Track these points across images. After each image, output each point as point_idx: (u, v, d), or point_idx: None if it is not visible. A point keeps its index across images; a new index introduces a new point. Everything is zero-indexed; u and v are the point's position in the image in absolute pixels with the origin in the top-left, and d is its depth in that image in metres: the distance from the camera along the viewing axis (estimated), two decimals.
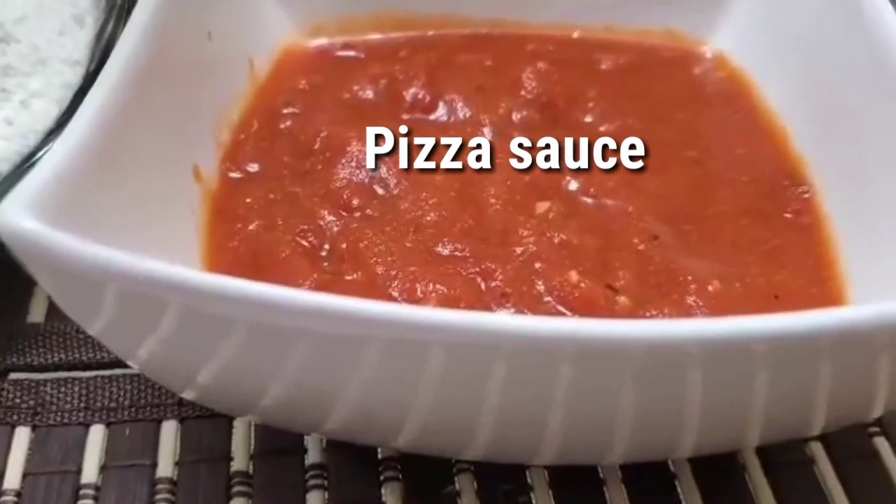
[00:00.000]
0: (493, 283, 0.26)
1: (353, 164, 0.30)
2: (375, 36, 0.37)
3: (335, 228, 0.28)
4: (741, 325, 0.19)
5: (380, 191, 0.29)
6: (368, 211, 0.28)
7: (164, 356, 0.24)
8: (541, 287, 0.26)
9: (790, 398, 0.22)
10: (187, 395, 0.27)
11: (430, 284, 0.26)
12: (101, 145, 0.23)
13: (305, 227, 0.28)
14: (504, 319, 0.21)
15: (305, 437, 0.29)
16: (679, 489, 0.28)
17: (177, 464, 0.28)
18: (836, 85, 0.30)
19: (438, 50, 0.36)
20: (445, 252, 0.27)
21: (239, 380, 0.24)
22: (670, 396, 0.21)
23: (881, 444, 0.30)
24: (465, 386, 0.21)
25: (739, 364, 0.20)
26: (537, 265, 0.27)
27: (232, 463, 0.28)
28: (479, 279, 0.26)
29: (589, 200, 0.30)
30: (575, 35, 0.38)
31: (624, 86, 0.35)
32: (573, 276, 0.26)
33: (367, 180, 0.29)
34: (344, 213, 0.28)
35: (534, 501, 0.28)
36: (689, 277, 0.27)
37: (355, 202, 0.29)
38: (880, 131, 0.28)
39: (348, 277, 0.26)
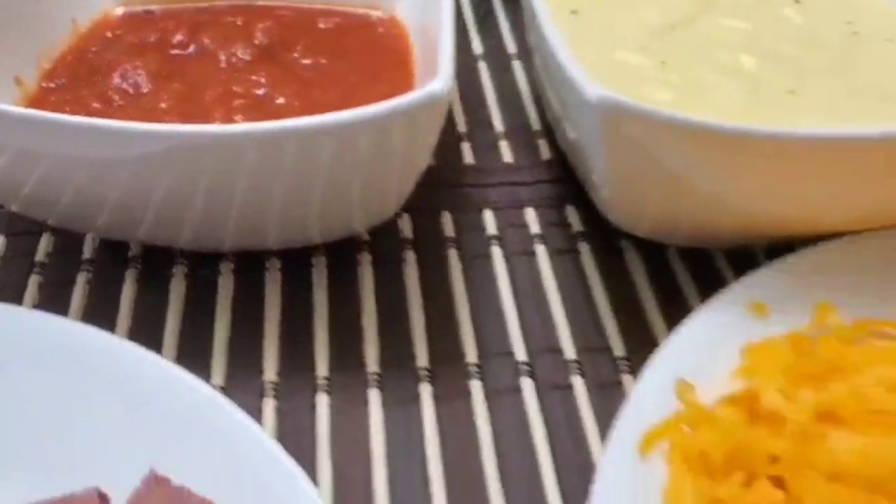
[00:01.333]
0: None
1: (119, 77, 0.47)
2: (170, 6, 0.55)
3: (97, 114, 0.45)
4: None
5: (132, 91, 0.46)
6: (122, 103, 0.46)
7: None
8: None
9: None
10: (14, 208, 0.44)
11: None
12: None
13: (80, 112, 0.45)
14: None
15: (84, 240, 0.46)
16: (314, 271, 0.45)
17: (1, 258, 0.45)
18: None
19: (209, 14, 0.54)
20: None
21: (35, 194, 0.41)
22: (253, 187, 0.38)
23: (452, 254, 0.47)
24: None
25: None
26: None
27: (35, 257, 0.45)
28: None
29: (273, 101, 0.47)
30: (316, 6, 0.55)
31: (329, 38, 0.53)
32: None
33: (124, 85, 0.46)
34: (106, 104, 0.45)
35: (220, 281, 0.45)
36: None
37: (115, 98, 0.46)
38: None
39: None
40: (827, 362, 0.36)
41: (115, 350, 0.36)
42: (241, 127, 0.36)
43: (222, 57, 0.50)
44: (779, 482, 0.33)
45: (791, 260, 0.41)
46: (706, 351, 0.37)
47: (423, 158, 0.40)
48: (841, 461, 0.31)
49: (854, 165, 0.38)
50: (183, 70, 0.49)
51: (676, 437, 0.34)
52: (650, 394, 0.36)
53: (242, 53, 0.50)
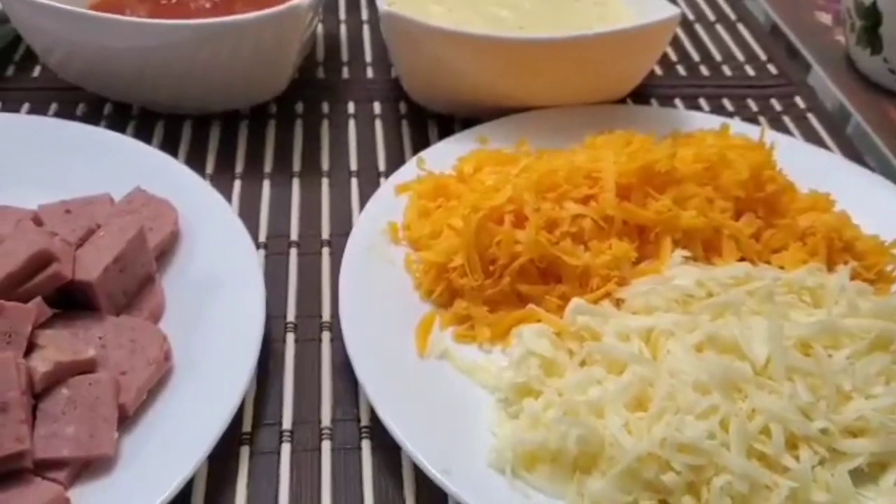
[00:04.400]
0: None
1: (129, 11, 0.78)
2: None
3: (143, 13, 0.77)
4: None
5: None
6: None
7: (67, 62, 0.72)
8: None
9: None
10: (65, 76, 0.75)
11: None
12: None
13: (128, 12, 0.77)
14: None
15: (106, 106, 0.77)
16: (239, 128, 0.76)
17: (55, 114, 0.77)
18: None
19: None
20: None
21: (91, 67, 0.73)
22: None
23: (325, 123, 0.78)
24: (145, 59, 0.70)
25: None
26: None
27: (76, 113, 0.77)
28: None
29: None
30: None
31: None
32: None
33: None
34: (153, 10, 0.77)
35: (182, 133, 0.76)
36: None
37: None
38: None
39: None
40: (507, 158, 0.67)
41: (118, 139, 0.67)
42: (183, 21, 0.67)
43: (192, 6, 0.82)
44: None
45: (505, 120, 0.72)
46: (446, 154, 0.68)
47: (293, 50, 0.71)
48: (486, 186, 0.62)
49: (549, 60, 0.69)
50: (167, 12, 0.80)
51: (415, 185, 0.65)
52: (406, 169, 0.67)
53: (205, 3, 0.82)
